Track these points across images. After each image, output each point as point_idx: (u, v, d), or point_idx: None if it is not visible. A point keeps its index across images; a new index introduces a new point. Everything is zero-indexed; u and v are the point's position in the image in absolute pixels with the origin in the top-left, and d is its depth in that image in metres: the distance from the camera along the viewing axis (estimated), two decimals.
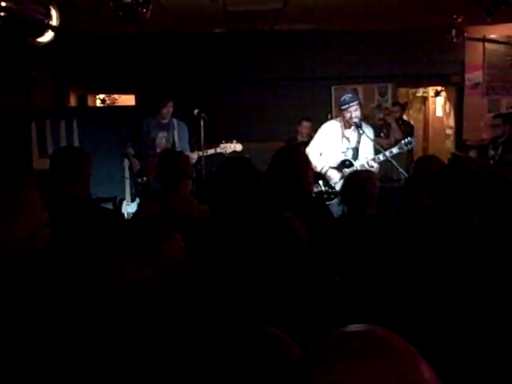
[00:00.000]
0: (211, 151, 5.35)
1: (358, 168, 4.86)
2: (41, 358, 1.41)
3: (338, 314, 1.92)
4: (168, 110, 5.39)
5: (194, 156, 5.23)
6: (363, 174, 3.41)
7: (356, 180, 3.23)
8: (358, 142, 4.95)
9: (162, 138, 5.46)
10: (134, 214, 3.72)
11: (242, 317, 1.79)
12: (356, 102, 4.90)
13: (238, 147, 5.44)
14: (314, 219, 2.83)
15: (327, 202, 4.90)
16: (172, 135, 5.45)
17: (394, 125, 7.40)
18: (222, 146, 5.40)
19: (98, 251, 2.02)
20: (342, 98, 5.01)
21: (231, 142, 5.43)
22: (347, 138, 4.97)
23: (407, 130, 7.17)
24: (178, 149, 5.21)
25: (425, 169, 3.18)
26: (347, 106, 4.88)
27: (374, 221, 2.97)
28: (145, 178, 5.34)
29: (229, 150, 5.39)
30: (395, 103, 7.81)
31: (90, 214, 2.54)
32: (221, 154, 5.37)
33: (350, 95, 5.08)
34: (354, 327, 0.78)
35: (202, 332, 1.45)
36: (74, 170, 2.58)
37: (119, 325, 1.44)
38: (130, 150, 5.55)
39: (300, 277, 1.98)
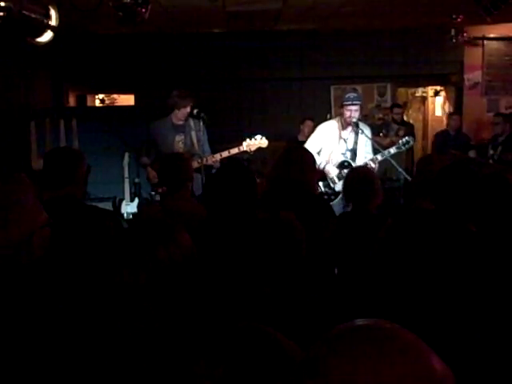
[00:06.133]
0: (234, 150, 4.79)
1: None
2: (38, 359, 1.41)
3: (336, 311, 1.92)
4: (187, 110, 4.82)
5: (217, 157, 4.71)
6: (362, 170, 3.46)
7: (356, 176, 3.25)
8: (356, 142, 4.92)
9: (178, 142, 4.89)
10: (135, 216, 3.73)
11: (238, 315, 1.79)
12: (359, 103, 4.87)
13: (264, 143, 4.83)
14: (317, 218, 2.84)
15: None
16: (189, 137, 4.90)
17: (394, 125, 7.30)
18: (246, 143, 4.82)
19: (92, 253, 2.02)
20: (347, 96, 4.94)
21: (255, 139, 4.83)
22: (344, 140, 4.95)
23: (408, 129, 7.13)
24: (197, 152, 4.75)
25: (427, 171, 3.12)
26: (350, 103, 4.82)
27: (375, 219, 2.99)
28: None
29: (253, 148, 4.81)
30: (397, 105, 7.64)
31: (84, 215, 2.52)
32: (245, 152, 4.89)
33: (355, 94, 5.03)
34: (360, 321, 0.77)
35: (199, 330, 1.45)
36: (67, 171, 2.54)
37: (116, 326, 1.44)
38: (145, 160, 4.94)
39: (297, 277, 1.98)
